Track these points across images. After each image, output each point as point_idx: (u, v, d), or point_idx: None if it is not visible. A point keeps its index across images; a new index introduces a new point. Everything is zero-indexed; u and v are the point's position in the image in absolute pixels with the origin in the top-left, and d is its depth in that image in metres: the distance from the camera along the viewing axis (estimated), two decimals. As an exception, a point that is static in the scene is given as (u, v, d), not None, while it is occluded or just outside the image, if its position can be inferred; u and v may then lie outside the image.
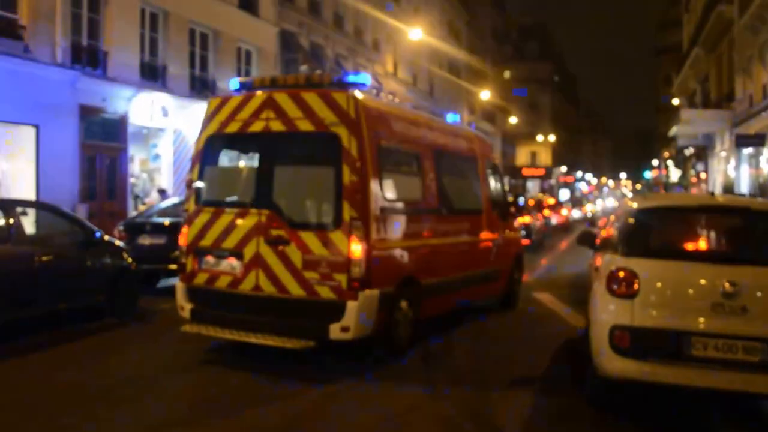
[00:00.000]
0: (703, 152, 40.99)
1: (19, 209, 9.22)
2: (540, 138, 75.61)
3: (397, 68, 40.59)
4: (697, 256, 6.23)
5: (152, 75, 21.31)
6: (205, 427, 5.80)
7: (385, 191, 7.76)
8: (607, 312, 6.03)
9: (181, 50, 22.42)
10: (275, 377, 7.11)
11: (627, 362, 5.82)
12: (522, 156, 78.28)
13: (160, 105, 21.13)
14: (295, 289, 7.42)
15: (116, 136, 19.91)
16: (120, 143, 20.02)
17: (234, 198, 8.11)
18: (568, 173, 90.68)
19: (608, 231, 8.23)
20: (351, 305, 7.20)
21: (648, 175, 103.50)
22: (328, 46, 31.46)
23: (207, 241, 7.95)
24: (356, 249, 7.28)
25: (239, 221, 7.80)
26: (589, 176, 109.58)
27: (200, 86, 23.38)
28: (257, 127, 7.88)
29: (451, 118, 10.58)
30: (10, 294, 8.37)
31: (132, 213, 19.13)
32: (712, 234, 6.73)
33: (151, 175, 22.46)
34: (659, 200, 7.56)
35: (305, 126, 7.63)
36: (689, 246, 6.48)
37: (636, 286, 5.91)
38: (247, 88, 8.26)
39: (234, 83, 8.36)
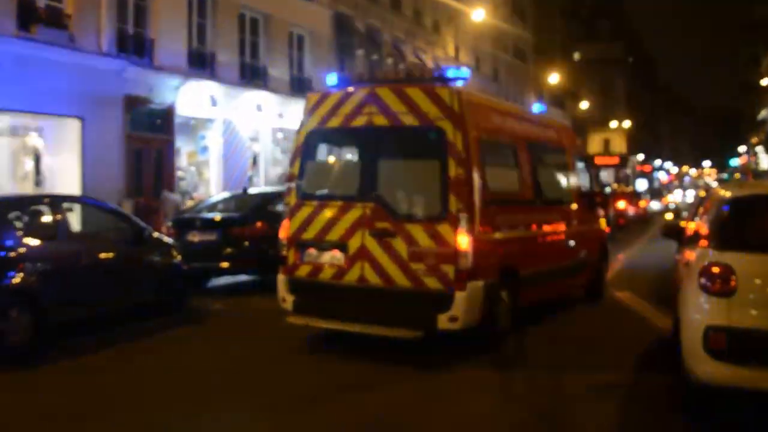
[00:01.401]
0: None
1: (65, 205, 9.42)
2: (614, 124, 74.39)
3: (459, 51, 40.37)
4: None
5: (200, 63, 21.60)
6: (318, 410, 6.43)
7: (487, 183, 8.41)
8: (701, 311, 5.85)
9: (230, 36, 22.68)
10: (377, 365, 7.81)
11: (723, 367, 5.64)
12: (594, 143, 77.14)
13: (208, 94, 21.43)
14: (402, 281, 8.07)
15: (163, 128, 20.24)
16: (167, 135, 20.34)
17: (337, 191, 8.85)
18: (645, 161, 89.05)
19: (698, 223, 7.99)
20: (459, 295, 7.84)
21: (734, 162, 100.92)
22: (385, 30, 31.45)
23: (309, 234, 8.66)
24: (464, 240, 7.92)
25: (343, 214, 8.46)
26: (668, 165, 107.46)
27: (251, 74, 23.63)
28: (360, 121, 8.59)
29: (537, 108, 11.41)
30: (59, 293, 8.53)
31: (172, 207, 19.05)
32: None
33: (199, 169, 22.79)
34: (756, 188, 7.34)
35: (409, 120, 8.35)
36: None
37: (733, 283, 5.72)
38: (345, 83, 8.93)
39: (332, 79, 9.05)
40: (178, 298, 10.64)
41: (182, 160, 22.03)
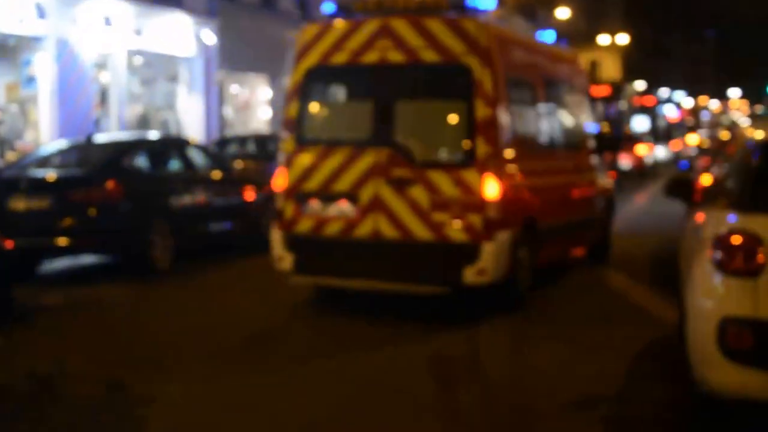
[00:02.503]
0: None
1: None
2: (604, 39, 75.15)
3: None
4: None
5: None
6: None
7: (513, 126, 10.15)
8: (716, 297, 5.96)
9: None
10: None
11: (748, 373, 5.74)
12: (578, 67, 77.91)
13: (33, 1, 20.91)
14: (423, 233, 9.71)
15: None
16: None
17: (345, 136, 10.38)
18: (646, 92, 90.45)
19: (715, 176, 8.14)
20: (487, 247, 9.49)
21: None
22: None
23: (312, 184, 10.17)
24: (492, 187, 9.58)
25: (353, 161, 9.97)
26: (679, 95, 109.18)
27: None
28: (371, 57, 10.07)
29: (547, 37, 13.48)
30: None
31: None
32: None
33: (23, 107, 22.36)
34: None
35: (430, 56, 9.88)
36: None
37: (761, 258, 5.80)
38: (345, 12, 10.35)
39: (329, 6, 10.37)
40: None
41: (-1, 96, 21.62)
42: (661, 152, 46.72)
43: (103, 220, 12.58)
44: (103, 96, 24.12)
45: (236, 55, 28.00)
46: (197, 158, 15.16)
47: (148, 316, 10.66)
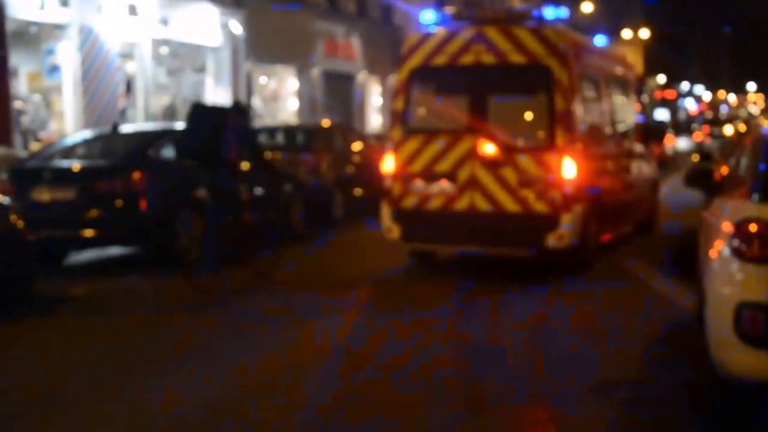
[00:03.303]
0: None
1: None
2: (627, 34, 74.93)
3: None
4: None
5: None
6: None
7: (584, 117, 12.17)
8: (733, 283, 6.02)
9: None
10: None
11: (762, 357, 5.82)
12: (600, 60, 77.61)
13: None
14: (512, 206, 11.63)
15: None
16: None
17: (445, 125, 12.23)
18: (667, 85, 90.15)
19: (733, 166, 8.18)
20: (565, 217, 11.47)
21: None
22: None
23: (416, 167, 12.09)
24: (570, 168, 11.50)
25: (452, 146, 11.88)
26: (699, 89, 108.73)
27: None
28: (467, 59, 12.03)
29: (602, 40, 14.90)
30: None
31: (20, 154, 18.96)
32: None
33: (47, 97, 22.35)
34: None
35: (517, 58, 11.85)
36: None
37: (776, 245, 5.88)
38: (444, 22, 12.41)
39: (428, 16, 12.42)
40: (19, 282, 10.48)
41: (21, 85, 21.62)
42: (682, 143, 46.63)
43: (129, 211, 12.49)
44: (129, 86, 24.00)
45: (264, 46, 28.00)
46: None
47: (168, 309, 10.79)
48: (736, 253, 6.01)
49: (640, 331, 9.14)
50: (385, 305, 10.67)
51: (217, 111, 12.67)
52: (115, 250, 14.05)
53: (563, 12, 12.16)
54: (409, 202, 12.16)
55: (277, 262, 12.97)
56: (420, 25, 12.57)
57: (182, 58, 26.28)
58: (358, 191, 18.57)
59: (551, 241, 11.50)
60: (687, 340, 8.17)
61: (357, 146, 19.91)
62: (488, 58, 11.95)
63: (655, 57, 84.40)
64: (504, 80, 12.20)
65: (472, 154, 11.78)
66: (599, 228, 12.55)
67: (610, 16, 72.93)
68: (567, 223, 11.48)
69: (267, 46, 28.29)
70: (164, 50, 25.03)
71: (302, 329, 9.35)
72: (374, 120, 36.95)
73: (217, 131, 11.99)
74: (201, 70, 26.86)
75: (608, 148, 13.61)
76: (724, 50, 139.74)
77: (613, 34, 74.42)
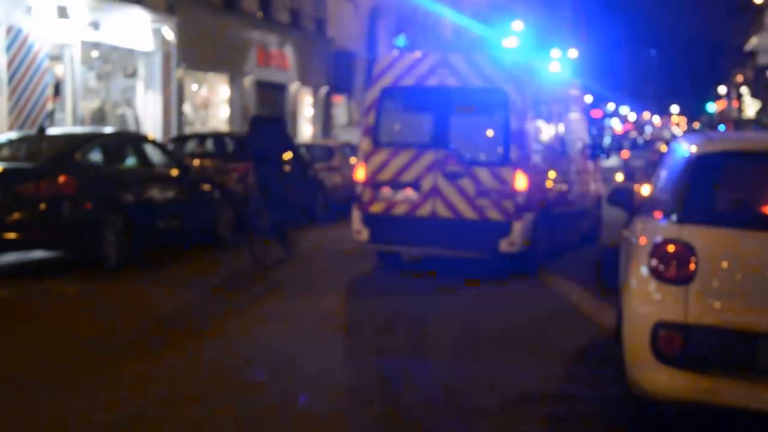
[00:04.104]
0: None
1: None
2: (556, 53, 75.76)
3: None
4: (783, 225, 6.25)
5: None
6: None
7: (536, 136, 13.52)
8: (650, 303, 6.09)
9: None
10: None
11: (677, 375, 5.88)
12: (529, 78, 78.21)
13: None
14: (469, 213, 12.80)
15: None
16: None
17: (412, 140, 13.35)
18: (594, 105, 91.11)
19: (653, 186, 8.27)
20: (517, 225, 12.65)
21: (711, 108, 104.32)
22: None
23: (385, 176, 13.22)
24: (522, 180, 12.70)
25: (417, 159, 13.06)
26: (624, 109, 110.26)
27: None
28: (433, 81, 13.25)
29: (555, 68, 16.25)
30: None
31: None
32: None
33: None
34: (730, 142, 7.58)
35: (477, 82, 13.08)
36: (774, 211, 6.52)
37: (692, 266, 5.95)
38: (412, 48, 14.46)
39: (400, 41, 15.76)
40: None
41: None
42: (610, 161, 47.41)
43: (54, 214, 12.32)
44: (58, 89, 23.63)
45: (196, 54, 27.73)
46: (153, 154, 15.02)
47: (86, 313, 10.62)
48: (654, 272, 6.08)
49: (562, 346, 9.18)
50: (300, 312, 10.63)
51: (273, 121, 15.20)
52: (39, 254, 13.78)
53: (518, 43, 13.85)
54: (378, 207, 13.25)
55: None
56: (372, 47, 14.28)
57: (113, 62, 25.91)
58: (291, 198, 18.39)
59: (504, 245, 12.64)
60: (608, 356, 8.23)
61: (287, 155, 19.75)
62: (452, 81, 13.16)
63: (583, 76, 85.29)
64: (465, 101, 13.29)
65: (435, 166, 12.94)
66: (547, 235, 13.67)
67: (540, 35, 73.68)
68: (520, 229, 12.64)
69: (199, 53, 28.04)
70: (94, 54, 24.67)
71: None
72: (306, 130, 36.80)
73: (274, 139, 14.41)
74: (132, 75, 26.51)
75: (557, 164, 14.78)
76: (650, 72, 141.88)
77: (544, 52, 75.23)
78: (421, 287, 12.49)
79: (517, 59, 13.67)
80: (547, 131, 14.50)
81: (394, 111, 13.77)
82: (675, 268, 5.99)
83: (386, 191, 13.21)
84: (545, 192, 13.77)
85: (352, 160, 22.65)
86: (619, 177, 31.14)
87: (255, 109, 31.88)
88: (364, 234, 13.34)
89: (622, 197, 8.53)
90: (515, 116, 12.84)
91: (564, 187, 15.14)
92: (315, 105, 37.63)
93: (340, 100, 40.78)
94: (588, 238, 16.80)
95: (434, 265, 13.93)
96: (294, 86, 35.10)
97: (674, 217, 6.28)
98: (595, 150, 17.96)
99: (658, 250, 6.09)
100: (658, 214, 6.62)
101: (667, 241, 6.08)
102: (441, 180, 12.90)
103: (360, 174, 13.49)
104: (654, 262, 6.08)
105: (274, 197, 14.39)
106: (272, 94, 34.05)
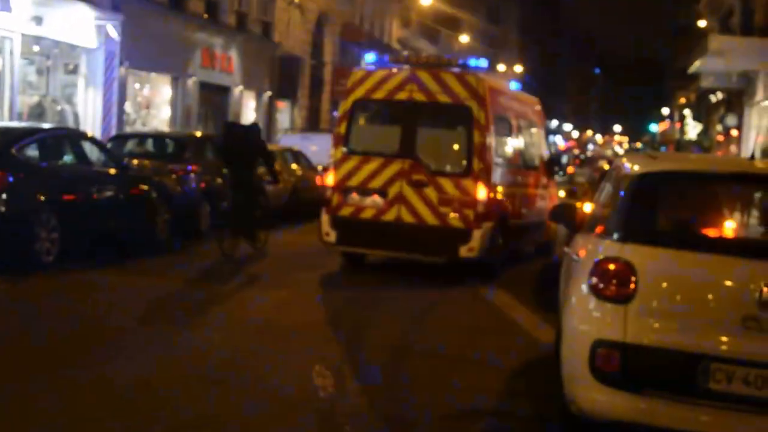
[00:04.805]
0: (738, 100, 41.76)
1: None
2: (500, 68, 76.27)
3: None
4: (724, 247, 6.30)
5: None
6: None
7: (497, 150, 14.41)
8: (589, 321, 6.10)
9: None
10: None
11: (614, 395, 5.89)
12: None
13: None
14: (431, 220, 13.69)
15: None
16: None
17: (380, 149, 14.24)
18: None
19: (595, 204, 8.29)
20: (476, 232, 13.57)
21: (654, 128, 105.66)
22: None
23: (353, 182, 14.11)
24: (482, 191, 13.66)
25: (385, 167, 13.95)
26: (567, 127, 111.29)
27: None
28: (402, 96, 14.18)
29: (514, 86, 17.45)
30: None
31: None
32: (748, 216, 6.82)
33: None
34: (672, 162, 7.64)
35: (443, 98, 14.04)
36: (713, 231, 6.58)
37: (633, 286, 5.96)
38: (383, 63, 14.85)
39: (370, 57, 15.14)
40: None
41: None
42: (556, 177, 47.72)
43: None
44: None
45: (140, 53, 27.38)
46: (91, 153, 14.81)
47: (9, 312, 10.48)
48: (594, 291, 6.08)
49: (500, 361, 9.18)
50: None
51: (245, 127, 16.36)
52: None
53: (483, 62, 14.81)
54: (346, 211, 14.12)
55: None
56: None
57: (54, 57, 25.54)
58: (226, 204, 18.26)
59: (463, 251, 13.52)
60: (545, 373, 8.23)
61: (260, 160, 19.64)
62: (419, 96, 14.07)
63: (528, 92, 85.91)
64: (431, 115, 14.33)
65: (401, 175, 13.82)
66: (505, 243, 14.58)
67: (486, 49, 74.18)
68: (479, 237, 13.55)
69: (143, 52, 27.70)
70: (36, 48, 24.29)
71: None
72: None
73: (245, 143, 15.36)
74: (73, 71, 26.16)
75: (516, 177, 15.86)
76: (594, 91, 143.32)
77: (489, 66, 75.59)
78: (370, 291, 12.80)
79: (481, 78, 14.27)
80: (508, 146, 15.57)
81: (364, 122, 14.91)
82: (615, 286, 5.99)
83: (354, 196, 14.08)
84: (504, 203, 14.70)
85: (293, 166, 22.61)
86: (561, 193, 31.36)
87: (197, 110, 31.66)
88: (332, 236, 14.15)
89: (564, 214, 8.54)
90: (478, 131, 13.73)
91: (522, 199, 16.03)
92: (258, 109, 37.44)
93: (283, 106, 40.66)
94: (543, 250, 17.60)
95: (393, 269, 14.81)
96: (238, 89, 34.91)
97: (615, 236, 6.29)
98: (553, 165, 18.74)
99: (598, 268, 6.09)
100: (599, 232, 6.63)
101: (608, 260, 6.09)
102: (406, 188, 13.76)
103: (330, 179, 14.33)
104: (594, 280, 6.08)
105: (247, 198, 15.25)
106: (215, 97, 33.86)
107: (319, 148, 25.23)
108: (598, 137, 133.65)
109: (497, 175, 14.34)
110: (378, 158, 14.08)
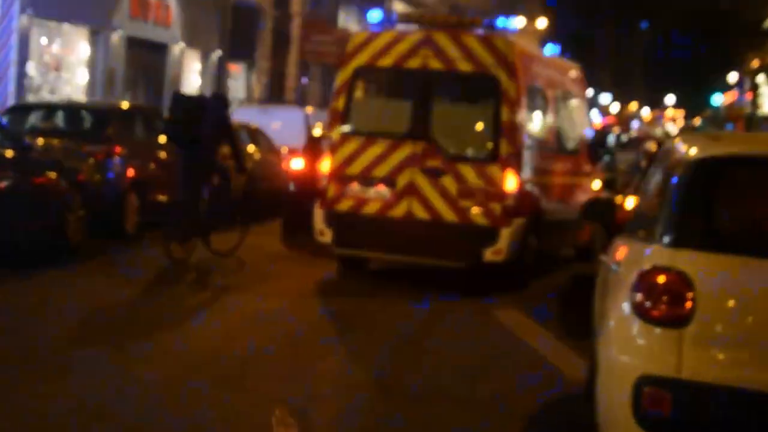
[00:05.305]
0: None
1: None
2: (520, 22, 76.29)
3: None
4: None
5: None
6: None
7: (530, 130, 14.73)
8: (632, 351, 6.09)
9: None
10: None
11: (666, 447, 5.86)
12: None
13: None
14: (450, 216, 13.96)
15: None
16: None
17: (387, 129, 14.62)
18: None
19: (639, 199, 8.29)
20: (504, 231, 13.77)
21: (717, 100, 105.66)
22: None
23: (354, 169, 14.39)
24: (511, 181, 13.87)
25: (393, 151, 14.22)
26: (605, 98, 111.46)
27: None
28: (414, 63, 14.42)
29: (551, 50, 18.55)
30: None
31: None
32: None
33: None
34: (740, 144, 7.62)
35: (464, 67, 14.26)
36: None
37: (689, 304, 5.94)
38: (390, 22, 15.19)
39: (375, 15, 15.17)
40: None
41: None
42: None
43: None
44: None
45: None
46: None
47: None
48: (639, 311, 6.05)
49: (513, 404, 9.16)
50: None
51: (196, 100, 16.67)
52: None
53: (513, 22, 15.03)
54: (345, 205, 14.47)
55: None
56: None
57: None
58: (161, 197, 18.19)
59: (489, 254, 13.76)
60: (573, 420, 8.22)
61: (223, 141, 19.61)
62: (435, 64, 14.33)
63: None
64: (450, 87, 14.90)
65: (412, 161, 14.11)
66: (538, 246, 15.01)
67: (503, 3, 74.30)
68: (507, 236, 13.81)
69: (53, -1, 27.66)
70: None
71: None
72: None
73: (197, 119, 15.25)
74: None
75: (554, 163, 16.39)
76: (640, 52, 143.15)
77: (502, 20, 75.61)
78: (351, 307, 13.16)
79: (511, 41, 14.56)
80: (543, 125, 15.97)
81: (368, 95, 15.57)
82: (666, 305, 5.97)
83: (355, 187, 14.40)
84: (539, 195, 15.16)
85: (250, 147, 22.49)
86: (597, 184, 31.45)
87: (124, 74, 31.54)
88: (327, 235, 14.46)
89: (600, 211, 8.52)
90: (507, 106, 14.00)
91: (559, 191, 16.60)
92: (204, 73, 37.45)
93: (237, 69, 40.62)
94: (584, 254, 17.24)
95: (381, 275, 15.39)
96: (177, 48, 34.87)
97: (666, 239, 6.28)
98: (597, 148, 19.28)
99: (644, 282, 6.07)
100: (646, 235, 6.60)
101: (656, 270, 6.07)
102: (419, 176, 14.06)
103: (325, 166, 14.61)
104: (639, 297, 6.05)
105: (200, 188, 15.44)
106: (148, 57, 33.81)
107: (283, 124, 25.18)
108: (645, 111, 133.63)
109: (530, 160, 14.62)
110: (384, 140, 14.37)
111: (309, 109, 29.16)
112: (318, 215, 14.51)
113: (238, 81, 41.09)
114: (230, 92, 39.30)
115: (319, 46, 44.06)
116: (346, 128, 14.63)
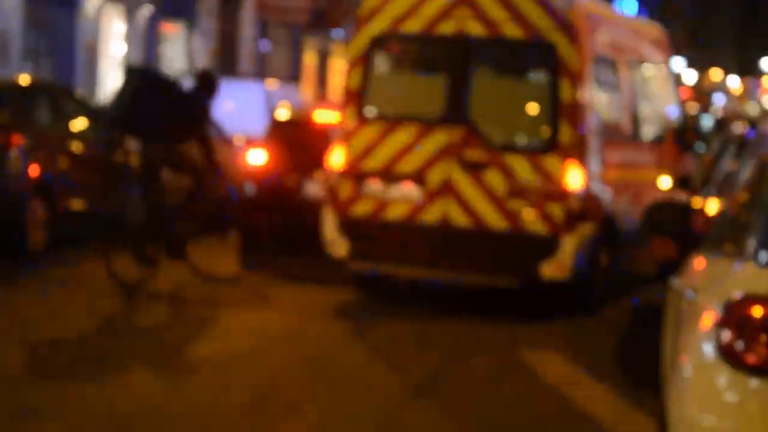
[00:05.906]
0: None
1: None
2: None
3: None
4: None
5: None
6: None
7: (599, 111, 14.90)
8: (718, 409, 6.09)
9: None
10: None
11: None
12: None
13: None
14: (497, 222, 14.34)
15: None
16: None
17: (414, 112, 15.12)
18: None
19: (724, 202, 8.34)
20: (567, 241, 14.06)
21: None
22: None
23: (373, 163, 14.90)
24: (575, 176, 14.15)
25: (422, 140, 14.65)
26: (679, 64, 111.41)
27: None
28: (448, 28, 14.80)
29: (629, 7, 21.76)
30: None
31: None
32: None
33: None
34: None
35: (513, 31, 14.59)
36: None
37: (795, 345, 5.95)
38: None
39: None
40: None
41: None
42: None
43: None
44: None
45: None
46: None
47: None
48: (727, 355, 6.03)
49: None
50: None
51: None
52: None
53: None
54: (362, 209, 14.97)
55: None
56: None
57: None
58: (76, 203, 18.22)
59: (547, 270, 14.12)
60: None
61: (81, 122, 19.62)
62: (475, 28, 14.69)
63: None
64: (494, 58, 15.40)
65: (448, 151, 14.51)
66: (611, 259, 15.35)
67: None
68: (571, 247, 14.13)
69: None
70: None
71: None
72: (111, 79, 36.48)
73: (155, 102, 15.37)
74: None
75: (630, 153, 16.90)
76: (725, 4, 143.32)
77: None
78: (336, 349, 13.16)
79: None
80: (615, 104, 16.39)
81: (389, 70, 16.01)
82: (766, 347, 5.95)
83: (375, 185, 14.87)
84: (611, 194, 15.47)
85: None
86: (666, 182, 31.60)
87: (21, 38, 31.62)
88: (341, 247, 14.97)
89: (671, 219, 8.55)
90: (568, 81, 14.34)
91: (640, 187, 17.01)
92: (130, 36, 37.48)
93: (174, 31, 40.69)
94: (667, 269, 17.06)
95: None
96: (93, 4, 34.93)
97: (764, 257, 6.30)
98: (687, 135, 19.76)
99: (734, 315, 6.06)
100: (735, 251, 6.63)
101: (750, 299, 6.06)
102: (456, 172, 14.48)
103: (337, 160, 15.06)
104: (727, 336, 6.04)
105: (161, 192, 15.79)
106: (52, 15, 33.84)
107: (237, 105, 25.08)
108: (733, 81, 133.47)
109: (598, 150, 14.86)
110: (411, 126, 14.74)
111: (271, 84, 29.20)
112: (328, 221, 14.85)
113: (175, 46, 41.21)
114: (164, 61, 39.47)
115: (284, 0, 43.83)
116: (363, 112, 14.91)
